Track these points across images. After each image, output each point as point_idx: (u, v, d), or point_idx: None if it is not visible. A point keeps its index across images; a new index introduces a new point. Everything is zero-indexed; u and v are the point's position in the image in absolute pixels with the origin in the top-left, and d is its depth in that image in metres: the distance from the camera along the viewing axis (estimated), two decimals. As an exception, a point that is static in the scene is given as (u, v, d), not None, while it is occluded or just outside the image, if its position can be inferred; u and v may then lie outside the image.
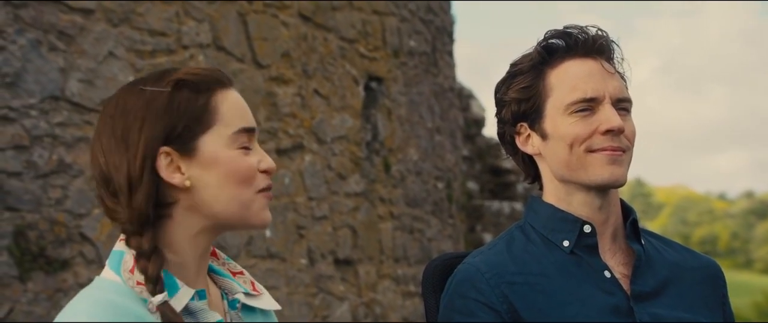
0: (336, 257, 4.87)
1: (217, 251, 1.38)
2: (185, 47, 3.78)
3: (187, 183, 1.22)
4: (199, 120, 1.23)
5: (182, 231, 1.24)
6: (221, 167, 1.23)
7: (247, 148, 1.26)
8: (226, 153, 1.24)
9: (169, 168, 1.22)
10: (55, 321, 1.15)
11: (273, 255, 4.33)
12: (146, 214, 1.21)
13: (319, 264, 4.71)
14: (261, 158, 1.27)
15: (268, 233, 4.30)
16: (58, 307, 3.12)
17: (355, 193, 5.07)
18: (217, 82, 1.27)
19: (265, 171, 1.27)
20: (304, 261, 4.58)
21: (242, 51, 4.18)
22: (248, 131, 1.26)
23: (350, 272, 5.01)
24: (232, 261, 1.40)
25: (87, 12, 3.33)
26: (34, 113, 3.11)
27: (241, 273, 1.39)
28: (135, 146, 1.21)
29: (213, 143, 1.23)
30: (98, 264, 3.29)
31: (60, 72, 3.22)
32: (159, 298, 1.16)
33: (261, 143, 4.32)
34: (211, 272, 1.35)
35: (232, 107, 1.26)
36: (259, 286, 1.39)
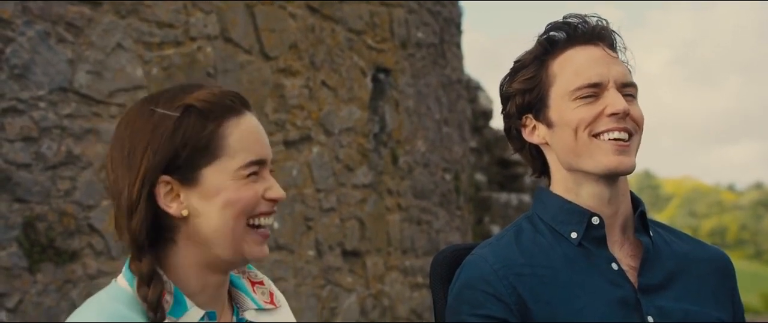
0: (344, 248, 4.88)
1: None
2: (193, 39, 3.79)
3: (184, 213, 1.20)
4: (204, 151, 1.20)
5: (185, 259, 1.22)
6: (222, 197, 1.20)
7: (254, 175, 1.23)
8: (229, 184, 1.20)
9: (168, 197, 1.20)
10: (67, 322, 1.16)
11: (281, 247, 4.34)
12: (142, 240, 1.19)
13: (327, 255, 4.71)
14: (269, 186, 1.24)
15: (275, 224, 4.30)
16: (67, 298, 3.13)
17: (362, 185, 5.07)
18: (228, 109, 1.22)
19: (271, 200, 1.23)
20: (311, 253, 4.58)
21: (250, 43, 4.17)
22: (257, 164, 1.22)
23: (358, 263, 5.01)
24: (254, 269, 1.37)
25: (95, 4, 3.34)
26: (42, 104, 3.12)
27: (261, 282, 1.36)
28: (136, 170, 1.20)
29: (217, 175, 1.20)
30: (107, 256, 3.30)
31: (68, 64, 3.22)
32: None
33: (269, 135, 4.33)
34: (230, 283, 1.32)
35: (242, 138, 1.22)
36: (278, 298, 1.36)
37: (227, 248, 1.21)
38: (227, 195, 1.20)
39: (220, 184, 1.20)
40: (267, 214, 1.24)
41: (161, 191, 1.20)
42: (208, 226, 1.20)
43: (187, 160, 1.20)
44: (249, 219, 1.22)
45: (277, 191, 1.24)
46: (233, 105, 1.23)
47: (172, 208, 1.20)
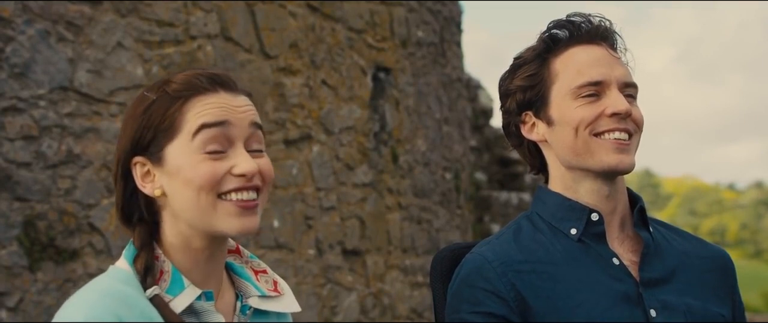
0: (344, 247, 4.88)
1: (241, 248, 1.37)
2: (193, 38, 3.79)
3: (157, 193, 1.23)
4: (167, 130, 1.21)
5: (172, 237, 1.24)
6: (181, 176, 1.20)
7: (217, 152, 1.20)
8: (187, 160, 1.20)
9: (145, 177, 1.23)
10: (65, 303, 1.20)
11: (281, 246, 4.34)
12: (124, 215, 1.26)
13: (327, 254, 4.71)
14: (237, 162, 1.20)
15: (276, 223, 4.30)
16: (67, 297, 3.13)
17: (363, 184, 5.07)
18: (195, 89, 1.22)
19: (240, 175, 1.20)
20: (312, 252, 4.59)
21: (250, 41, 4.17)
22: (213, 126, 1.20)
23: (358, 262, 5.01)
24: (257, 259, 1.38)
25: (95, 2, 3.34)
26: (42, 103, 3.12)
27: (264, 271, 1.36)
28: (117, 150, 1.26)
29: (175, 152, 1.21)
30: (107, 254, 3.30)
31: (68, 62, 3.22)
32: (149, 292, 1.19)
33: (269, 133, 4.34)
34: (233, 272, 1.34)
35: (200, 111, 1.21)
36: (282, 286, 1.36)
37: (200, 223, 1.21)
38: (185, 173, 1.20)
39: (179, 162, 1.21)
40: (238, 190, 1.21)
41: (138, 171, 1.24)
42: (178, 204, 1.22)
43: (153, 140, 1.22)
44: (219, 195, 1.21)
45: (243, 167, 1.20)
46: (200, 84, 1.23)
47: (147, 188, 1.23)
